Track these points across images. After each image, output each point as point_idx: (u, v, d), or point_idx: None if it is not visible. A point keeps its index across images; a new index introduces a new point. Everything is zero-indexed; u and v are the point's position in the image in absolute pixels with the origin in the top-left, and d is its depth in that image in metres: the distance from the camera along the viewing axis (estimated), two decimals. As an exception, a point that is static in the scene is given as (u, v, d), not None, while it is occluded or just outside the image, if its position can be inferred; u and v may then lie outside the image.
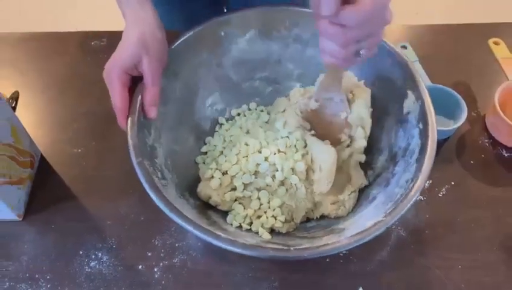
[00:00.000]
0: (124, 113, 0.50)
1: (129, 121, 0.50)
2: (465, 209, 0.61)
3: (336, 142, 0.58)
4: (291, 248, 0.45)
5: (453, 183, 0.63)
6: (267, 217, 0.55)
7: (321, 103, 0.58)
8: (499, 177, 0.64)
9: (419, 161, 0.49)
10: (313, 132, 0.59)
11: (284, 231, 0.55)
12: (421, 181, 0.47)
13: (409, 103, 0.55)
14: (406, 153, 0.54)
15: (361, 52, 0.43)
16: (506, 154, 0.66)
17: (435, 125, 0.51)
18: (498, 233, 0.59)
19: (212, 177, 0.58)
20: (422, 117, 0.52)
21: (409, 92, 0.55)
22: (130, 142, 0.49)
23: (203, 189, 0.57)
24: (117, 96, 0.50)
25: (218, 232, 0.46)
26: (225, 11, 0.88)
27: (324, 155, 0.55)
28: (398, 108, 0.57)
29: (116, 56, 0.50)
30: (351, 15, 0.38)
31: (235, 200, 0.57)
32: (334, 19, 0.39)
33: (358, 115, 0.57)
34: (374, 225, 0.45)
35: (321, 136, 0.58)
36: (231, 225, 0.55)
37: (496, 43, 0.75)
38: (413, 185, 0.47)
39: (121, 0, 0.53)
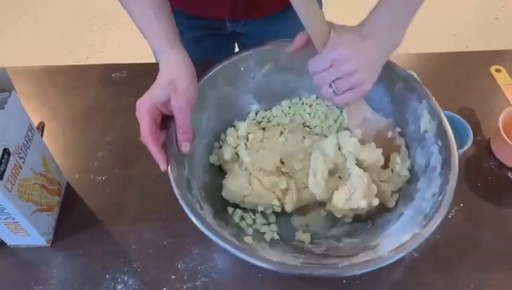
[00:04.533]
0: (151, 142, 0.53)
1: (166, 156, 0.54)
2: (475, 229, 0.64)
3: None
4: (340, 265, 0.48)
5: (462, 205, 0.66)
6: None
7: (362, 128, 0.62)
8: (505, 198, 0.67)
9: (443, 175, 0.53)
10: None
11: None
12: (450, 194, 0.51)
13: (425, 122, 0.60)
14: (426, 169, 0.58)
15: (333, 87, 0.55)
16: (511, 176, 0.69)
17: (454, 142, 0.55)
18: (507, 252, 0.61)
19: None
20: (441, 135, 0.57)
21: (425, 112, 0.59)
22: (171, 175, 0.53)
23: None
24: (144, 127, 0.53)
25: (268, 257, 0.49)
26: (236, 47, 0.93)
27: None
28: (414, 127, 0.62)
29: (148, 93, 0.55)
30: (315, 59, 0.52)
31: None
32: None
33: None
34: (411, 238, 0.48)
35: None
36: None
37: (498, 70, 0.79)
38: (442, 198, 0.51)
39: (156, 48, 0.58)
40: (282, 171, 0.64)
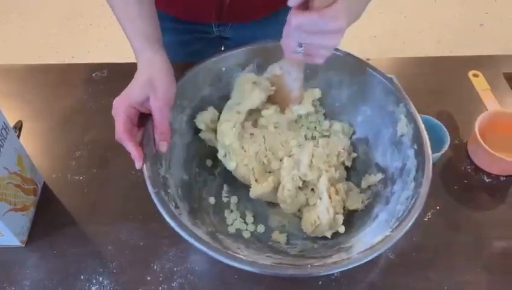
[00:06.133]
0: (126, 141, 0.53)
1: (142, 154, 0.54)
2: (450, 232, 0.64)
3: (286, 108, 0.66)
4: (309, 265, 0.47)
5: (438, 207, 0.66)
6: None
7: (283, 72, 0.63)
8: (481, 202, 0.68)
9: (417, 179, 0.54)
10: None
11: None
12: (422, 198, 0.51)
13: (402, 126, 0.60)
14: (402, 173, 0.58)
15: (298, 49, 0.50)
16: (487, 180, 0.70)
17: (429, 146, 0.56)
18: (481, 255, 0.62)
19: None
20: (417, 139, 0.57)
21: (402, 116, 0.60)
22: (146, 173, 0.52)
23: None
24: (120, 126, 0.53)
25: (239, 256, 0.48)
26: (223, 49, 0.93)
27: None
28: (391, 131, 0.62)
29: (125, 92, 0.54)
30: (294, 17, 0.45)
31: None
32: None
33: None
34: (382, 240, 0.48)
35: (279, 99, 0.65)
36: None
37: (475, 75, 0.80)
38: (415, 201, 0.51)
39: (135, 46, 0.57)
40: (263, 162, 0.64)
